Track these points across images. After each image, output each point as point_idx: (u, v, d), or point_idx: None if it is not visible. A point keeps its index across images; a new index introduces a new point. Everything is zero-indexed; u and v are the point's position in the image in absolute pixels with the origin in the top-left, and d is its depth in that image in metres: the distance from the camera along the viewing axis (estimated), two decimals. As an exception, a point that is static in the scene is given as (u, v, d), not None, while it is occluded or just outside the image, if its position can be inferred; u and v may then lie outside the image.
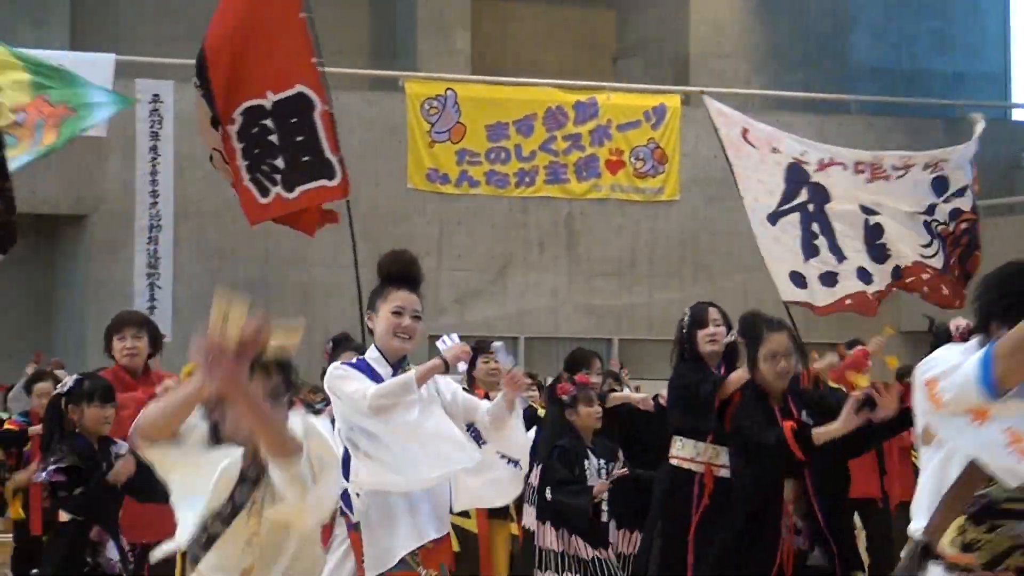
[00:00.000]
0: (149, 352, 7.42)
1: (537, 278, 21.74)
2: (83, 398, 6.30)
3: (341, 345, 8.18)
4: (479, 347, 9.63)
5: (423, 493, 5.07)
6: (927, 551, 3.93)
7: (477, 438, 5.31)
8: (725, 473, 6.92)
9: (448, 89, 20.91)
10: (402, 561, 5.14)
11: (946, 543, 4.00)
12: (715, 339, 7.22)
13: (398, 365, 5.26)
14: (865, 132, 22.18)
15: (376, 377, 5.24)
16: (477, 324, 21.46)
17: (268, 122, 9.48)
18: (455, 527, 9.15)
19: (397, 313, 5.33)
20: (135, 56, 19.54)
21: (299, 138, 9.55)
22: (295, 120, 9.50)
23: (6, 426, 12.15)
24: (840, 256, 10.39)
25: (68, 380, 6.49)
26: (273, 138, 9.63)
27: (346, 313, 20.92)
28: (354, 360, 5.47)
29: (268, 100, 9.46)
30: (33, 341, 19.18)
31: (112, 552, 6.16)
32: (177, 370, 9.28)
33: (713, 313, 7.32)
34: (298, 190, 9.91)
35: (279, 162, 9.71)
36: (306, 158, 9.63)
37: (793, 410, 6.18)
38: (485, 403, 5.36)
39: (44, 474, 6.07)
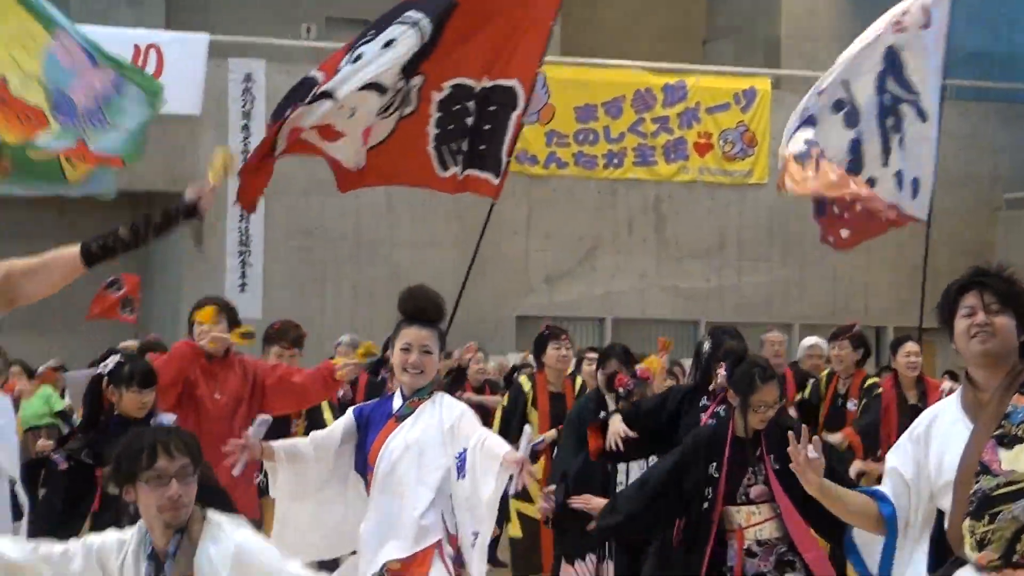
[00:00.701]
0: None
1: (625, 260, 21.75)
2: (122, 381, 6.26)
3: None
4: (552, 333, 9.68)
5: (377, 521, 5.46)
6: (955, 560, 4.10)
7: (461, 467, 5.52)
8: None
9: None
10: None
11: (967, 549, 4.10)
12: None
13: (410, 397, 5.66)
14: (959, 118, 21.92)
15: (385, 407, 5.68)
16: (564, 304, 21.52)
17: (471, 104, 9.59)
18: (517, 513, 9.23)
19: (405, 350, 5.65)
20: (228, 36, 19.78)
21: (487, 127, 9.68)
22: (493, 109, 9.63)
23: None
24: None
25: (110, 360, 6.45)
26: (469, 120, 9.77)
27: (434, 287, 21.03)
28: (382, 399, 5.82)
29: (481, 84, 9.56)
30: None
31: None
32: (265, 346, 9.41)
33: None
34: (466, 174, 10.07)
35: (464, 144, 9.86)
36: (483, 147, 9.76)
37: (763, 449, 6.35)
38: (480, 434, 5.54)
39: (57, 456, 6.08)
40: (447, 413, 5.59)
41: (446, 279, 21.09)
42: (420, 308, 5.70)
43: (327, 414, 9.49)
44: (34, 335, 17.65)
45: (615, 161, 21.54)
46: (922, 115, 11.52)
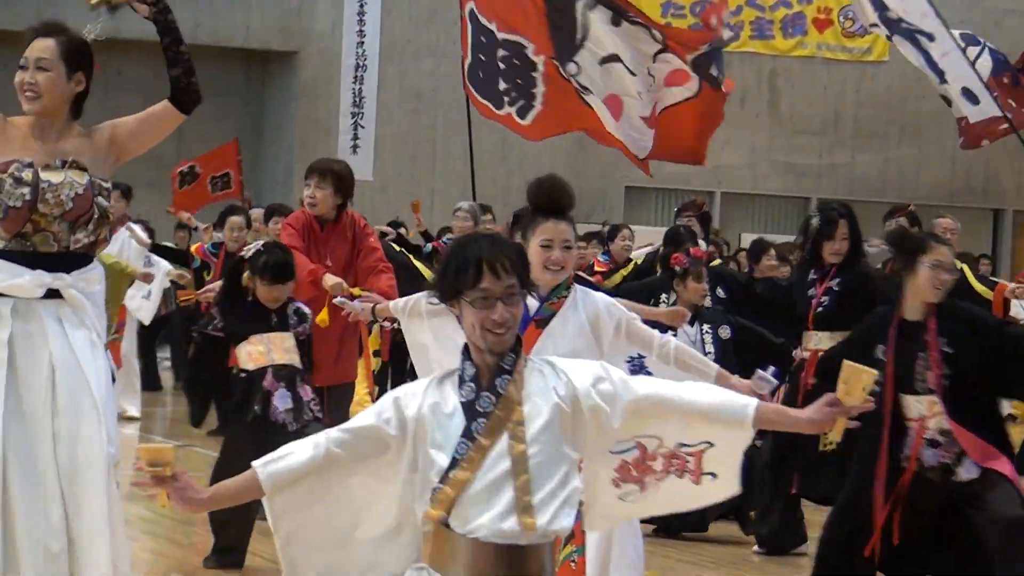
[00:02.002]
0: (339, 201, 7.26)
1: (736, 133, 21.57)
2: (257, 271, 6.30)
3: (519, 223, 8.04)
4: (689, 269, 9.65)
5: None
6: None
7: (636, 372, 5.15)
8: None
9: (656, -62, 20.69)
10: None
11: None
12: (838, 253, 7.27)
13: (548, 297, 5.14)
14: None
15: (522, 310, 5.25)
16: (674, 177, 21.42)
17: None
18: None
19: (546, 246, 5.12)
20: None
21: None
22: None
23: (192, 250, 12.68)
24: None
25: (253, 246, 6.41)
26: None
27: (542, 157, 21.09)
28: None
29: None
30: (243, 175, 19.77)
31: (281, 400, 6.17)
32: (379, 211, 9.53)
33: (842, 228, 7.30)
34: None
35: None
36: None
37: (933, 333, 5.89)
38: (661, 337, 5.19)
39: (206, 329, 6.20)
40: (604, 312, 5.16)
41: (556, 148, 21.12)
42: (555, 200, 5.19)
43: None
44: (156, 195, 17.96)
45: (731, 34, 21.24)
46: (929, 37, 11.56)
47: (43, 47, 4.77)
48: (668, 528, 7.97)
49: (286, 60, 20.19)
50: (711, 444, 3.62)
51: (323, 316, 6.84)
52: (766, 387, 4.90)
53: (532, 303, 5.13)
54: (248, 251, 6.42)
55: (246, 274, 6.38)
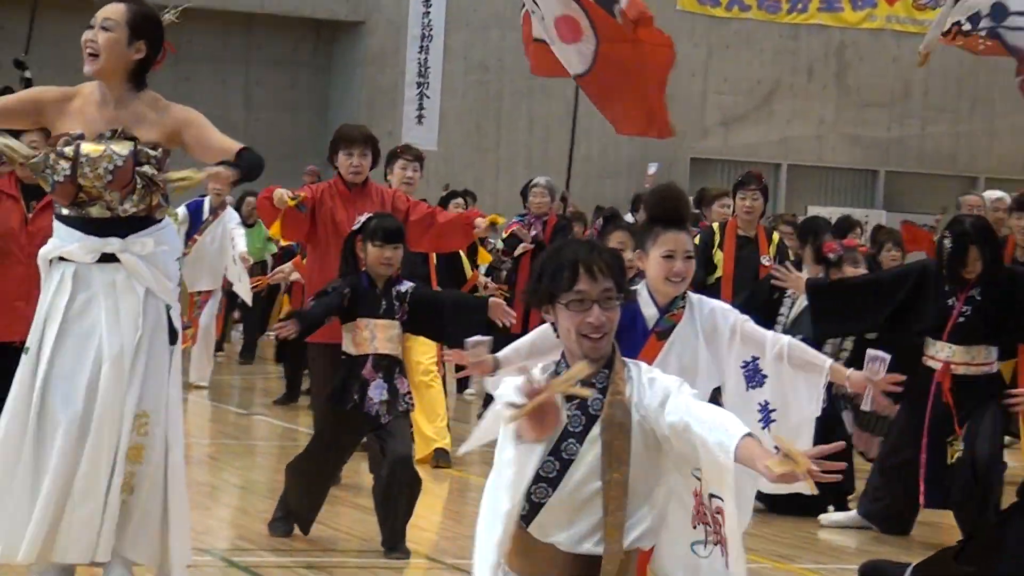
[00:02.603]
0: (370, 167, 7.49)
1: (804, 105, 21.43)
2: (367, 235, 6.29)
3: (610, 223, 8.00)
4: (742, 180, 9.59)
5: None
6: None
7: (752, 376, 5.06)
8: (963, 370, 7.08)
9: (725, -92, 20.55)
10: None
11: None
12: (972, 272, 7.19)
13: (667, 308, 5.02)
14: None
15: (635, 320, 5.12)
16: (740, 148, 21.34)
17: None
18: None
19: (668, 257, 4.97)
20: None
21: None
22: None
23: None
24: None
25: (362, 216, 6.46)
26: None
27: (608, 126, 21.00)
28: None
29: None
30: (309, 143, 19.88)
31: (376, 392, 6.13)
32: (443, 181, 9.56)
33: (973, 254, 7.16)
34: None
35: None
36: None
37: None
38: (774, 336, 5.09)
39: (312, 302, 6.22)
40: (720, 319, 5.05)
41: (622, 118, 21.06)
42: (675, 210, 5.08)
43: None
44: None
45: (799, 6, 21.09)
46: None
47: (112, 9, 4.80)
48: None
49: (353, 30, 20.25)
50: (722, 501, 3.41)
51: (275, 230, 7.11)
52: (881, 367, 4.85)
53: (650, 315, 5.05)
54: (358, 222, 6.40)
55: (360, 244, 6.33)
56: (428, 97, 19.90)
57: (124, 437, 4.69)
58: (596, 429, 3.46)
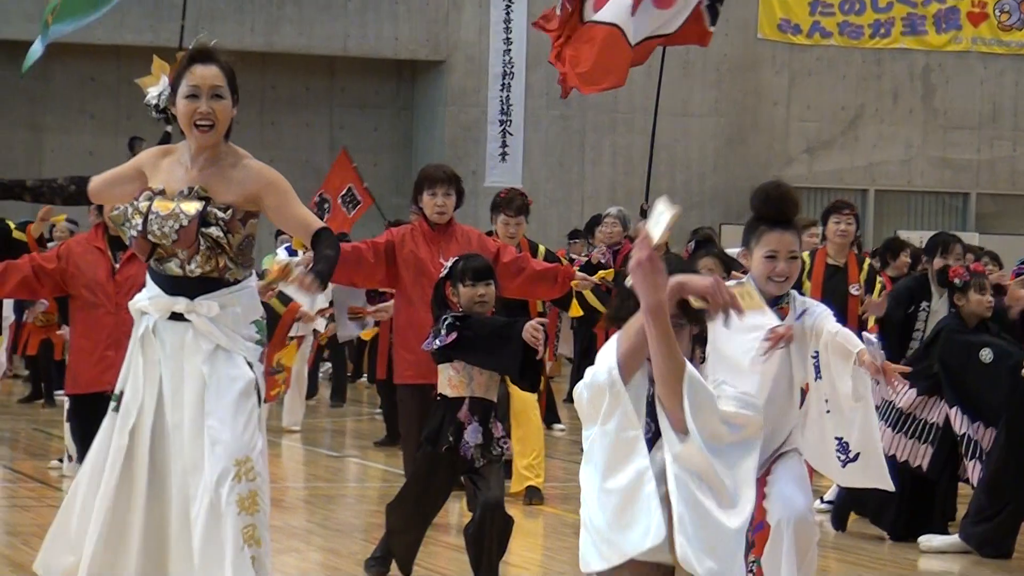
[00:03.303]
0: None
1: (890, 130, 21.23)
2: (457, 277, 6.26)
3: (703, 247, 7.95)
4: (835, 206, 9.50)
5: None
6: None
7: (817, 369, 5.06)
8: None
9: (804, -65, 20.47)
10: None
11: None
12: None
13: (774, 304, 5.08)
14: None
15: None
16: (826, 175, 21.17)
17: None
18: None
19: (771, 257, 5.03)
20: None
21: None
22: None
23: None
24: None
25: (448, 261, 6.45)
26: None
27: (691, 157, 20.95)
28: None
29: None
30: (393, 183, 20.00)
31: (472, 436, 6.04)
32: (529, 217, 9.54)
33: None
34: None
35: None
36: None
37: None
38: (831, 329, 5.02)
39: (436, 342, 6.08)
40: (808, 315, 5.09)
41: (706, 147, 21.00)
42: (781, 210, 5.09)
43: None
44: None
45: (882, 31, 20.92)
46: None
47: (215, 75, 4.72)
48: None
49: (434, 69, 20.37)
50: None
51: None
52: (877, 351, 4.85)
53: None
54: (445, 268, 6.36)
55: (449, 290, 6.28)
56: (511, 134, 19.94)
57: (221, 489, 4.58)
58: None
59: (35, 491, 9.10)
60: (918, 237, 15.38)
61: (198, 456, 4.62)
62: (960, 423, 7.71)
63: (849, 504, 8.24)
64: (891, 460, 7.75)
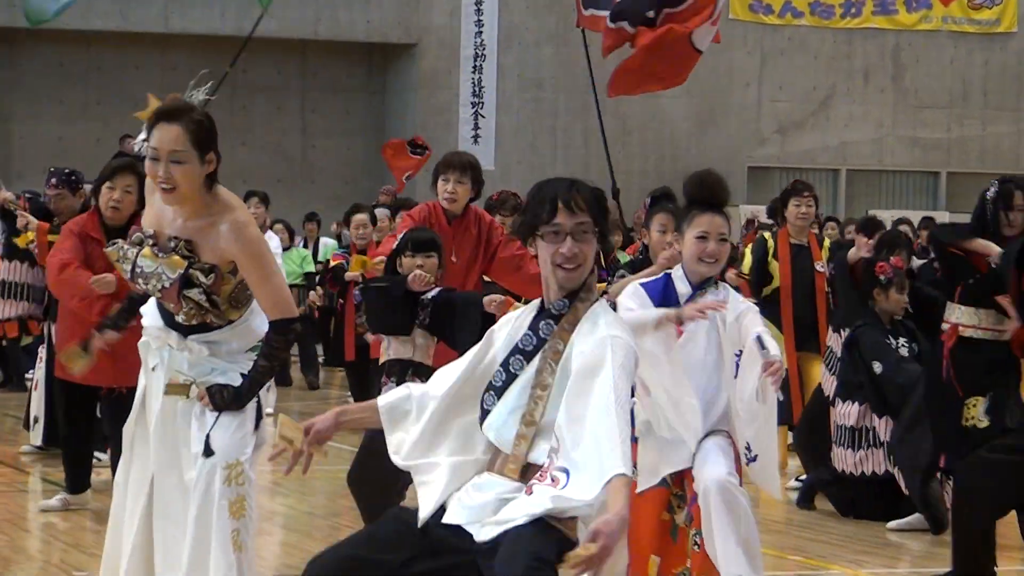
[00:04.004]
0: (472, 195, 7.16)
1: (861, 110, 21.29)
2: (400, 249, 6.31)
3: (658, 203, 7.95)
4: (795, 189, 9.55)
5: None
6: None
7: (736, 367, 5.23)
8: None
9: (774, -85, 20.49)
10: (663, 479, 5.26)
11: None
12: (1013, 226, 6.95)
13: (700, 287, 5.26)
14: None
15: (670, 296, 5.32)
16: (798, 155, 21.22)
17: None
18: None
19: (702, 238, 5.22)
20: None
21: None
22: None
23: (332, 262, 12.85)
24: None
25: (400, 234, 6.47)
26: None
27: (663, 138, 20.98)
28: (656, 278, 5.45)
29: None
30: (366, 167, 19.98)
31: None
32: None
33: (1019, 197, 6.99)
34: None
35: None
36: None
37: None
38: (757, 331, 5.22)
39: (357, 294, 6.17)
40: (732, 304, 5.24)
41: (678, 129, 21.01)
42: (713, 194, 5.29)
43: None
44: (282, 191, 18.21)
45: (852, 10, 20.97)
46: None
47: (172, 138, 4.43)
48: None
49: (405, 52, 20.33)
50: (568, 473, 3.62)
51: (356, 265, 6.96)
52: (766, 355, 4.97)
53: (684, 292, 5.29)
54: (398, 240, 6.42)
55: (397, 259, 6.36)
56: (483, 116, 19.93)
57: (207, 494, 4.54)
58: (539, 353, 3.78)
59: (5, 476, 9.09)
60: (889, 216, 15.45)
61: (183, 461, 4.58)
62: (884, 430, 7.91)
63: (817, 485, 8.33)
64: (856, 478, 7.96)
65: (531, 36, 20.05)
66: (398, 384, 6.11)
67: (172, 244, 4.52)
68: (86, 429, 7.71)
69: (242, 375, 4.60)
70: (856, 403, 8.06)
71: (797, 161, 20.87)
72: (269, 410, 12.04)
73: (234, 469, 4.54)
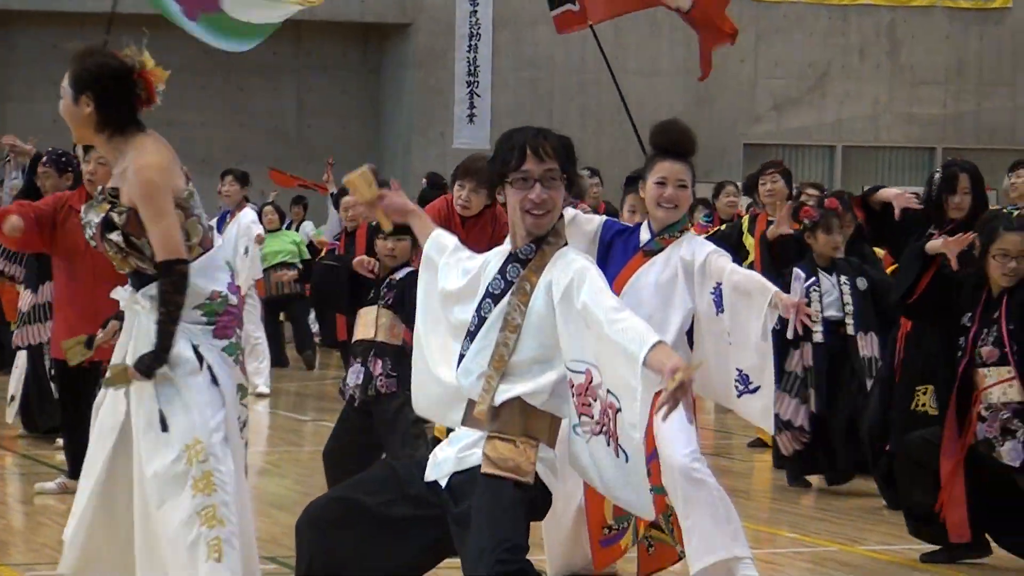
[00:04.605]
0: (488, 203, 7.13)
1: (856, 87, 21.27)
2: (375, 230, 6.36)
3: (631, 184, 7.96)
4: (762, 167, 9.59)
5: None
6: None
7: (718, 302, 5.30)
8: None
9: None
10: None
11: None
12: (959, 208, 6.97)
13: (659, 233, 5.40)
14: None
15: (632, 239, 5.51)
16: (794, 132, 21.19)
17: None
18: None
19: (660, 183, 5.37)
20: None
21: None
22: None
23: (326, 248, 12.85)
24: None
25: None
26: None
27: (660, 115, 20.85)
28: (633, 225, 5.59)
29: None
30: (362, 146, 19.95)
31: (353, 376, 6.18)
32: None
33: (964, 182, 7.00)
34: None
35: None
36: None
37: (1004, 308, 5.90)
38: (731, 267, 5.33)
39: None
40: (698, 250, 5.39)
41: (674, 106, 20.97)
42: (674, 141, 5.42)
43: None
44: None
45: (848, -14, 20.96)
46: None
47: (65, 74, 4.81)
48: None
49: (401, 32, 20.29)
50: (619, 407, 3.68)
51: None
52: (799, 286, 5.03)
53: (645, 237, 5.44)
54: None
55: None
56: (479, 96, 19.90)
57: (175, 471, 4.54)
58: (507, 296, 3.85)
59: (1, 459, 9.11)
60: (885, 192, 15.43)
61: (148, 445, 4.59)
62: None
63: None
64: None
65: (527, 15, 19.99)
66: (363, 366, 6.17)
67: (102, 194, 4.70)
68: (86, 413, 7.70)
69: (195, 348, 4.59)
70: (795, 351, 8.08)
71: (793, 138, 20.86)
72: (265, 389, 12.12)
73: (192, 448, 4.54)
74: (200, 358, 4.60)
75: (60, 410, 7.88)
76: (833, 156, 21.20)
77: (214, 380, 4.61)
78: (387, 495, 3.84)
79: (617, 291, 5.20)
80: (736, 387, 5.37)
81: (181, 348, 4.59)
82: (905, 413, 6.94)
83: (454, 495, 3.79)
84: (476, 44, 19.81)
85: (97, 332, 5.02)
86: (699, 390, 5.53)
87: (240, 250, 11.63)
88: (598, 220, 5.66)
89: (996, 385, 5.77)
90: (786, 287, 7.62)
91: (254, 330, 12.08)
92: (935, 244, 6.27)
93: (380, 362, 6.16)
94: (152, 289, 4.61)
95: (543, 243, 3.87)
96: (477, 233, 7.15)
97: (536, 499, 3.79)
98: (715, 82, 21.14)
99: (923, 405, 6.87)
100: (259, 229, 11.96)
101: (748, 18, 20.79)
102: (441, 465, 3.87)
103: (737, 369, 5.37)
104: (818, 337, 7.96)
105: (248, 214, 12.08)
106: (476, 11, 19.74)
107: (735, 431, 10.57)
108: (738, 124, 20.75)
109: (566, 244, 3.91)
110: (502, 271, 3.89)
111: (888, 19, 21.18)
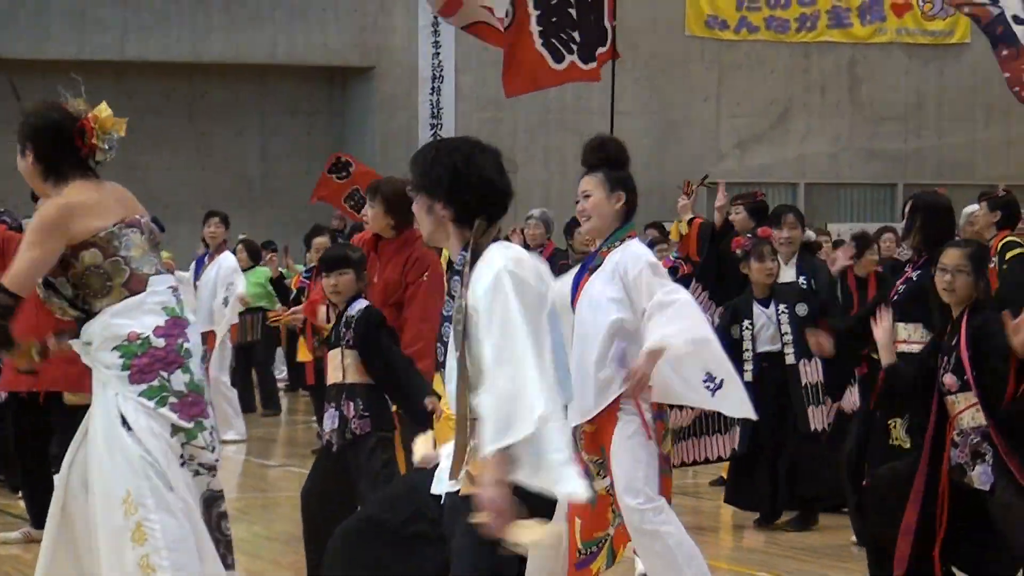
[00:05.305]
0: (391, 221, 6.96)
1: (818, 123, 21.41)
2: (319, 271, 6.35)
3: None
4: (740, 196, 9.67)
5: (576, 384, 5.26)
6: None
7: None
8: None
9: (728, -68, 20.60)
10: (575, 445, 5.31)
11: None
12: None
13: (600, 247, 5.55)
14: None
15: (589, 261, 5.65)
16: (756, 170, 21.31)
17: None
18: None
19: (577, 200, 5.62)
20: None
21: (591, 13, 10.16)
22: None
23: (293, 285, 12.81)
24: None
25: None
26: (572, 11, 10.17)
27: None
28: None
29: None
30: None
31: (328, 421, 6.11)
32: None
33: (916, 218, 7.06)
34: (590, 64, 10.69)
35: (576, 35, 10.26)
36: (593, 23, 10.20)
37: (963, 338, 5.92)
38: (662, 295, 5.34)
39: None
40: (631, 262, 5.41)
41: (638, 146, 21.04)
42: (585, 157, 5.64)
43: None
44: (243, 213, 18.16)
45: (808, 24, 21.10)
46: None
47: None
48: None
49: (364, 75, 20.33)
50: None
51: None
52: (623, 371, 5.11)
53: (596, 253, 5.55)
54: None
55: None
56: (442, 137, 19.93)
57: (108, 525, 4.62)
58: (455, 313, 3.86)
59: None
60: (847, 230, 15.54)
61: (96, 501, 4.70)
62: None
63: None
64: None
65: (488, 57, 20.04)
66: (337, 410, 6.07)
67: None
68: (43, 459, 7.62)
69: (115, 393, 4.65)
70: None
71: (756, 175, 20.96)
72: (235, 436, 12.04)
73: (127, 500, 4.59)
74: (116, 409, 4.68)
75: (20, 457, 7.78)
76: (796, 193, 21.32)
77: (128, 427, 4.64)
78: (406, 511, 3.88)
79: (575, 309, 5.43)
80: (707, 386, 5.40)
81: (106, 395, 4.68)
82: (882, 447, 6.95)
83: (445, 512, 3.81)
84: (439, 87, 19.85)
85: (49, 339, 4.94)
86: (677, 400, 5.56)
87: (219, 298, 11.66)
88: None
89: (966, 410, 5.76)
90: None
91: (221, 376, 12.01)
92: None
93: (352, 404, 6.07)
94: (79, 341, 4.74)
95: (464, 251, 3.87)
96: (387, 257, 6.99)
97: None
98: (679, 120, 21.28)
99: (896, 439, 6.87)
100: (242, 286, 11.91)
101: (710, 57, 20.95)
102: (441, 478, 3.87)
103: (701, 369, 5.42)
104: (747, 376, 7.93)
105: (229, 260, 12.08)
106: (439, 53, 19.80)
107: (700, 470, 10.56)
108: (703, 161, 20.83)
109: (496, 241, 3.88)
110: (449, 288, 3.92)
111: (848, 56, 21.35)
